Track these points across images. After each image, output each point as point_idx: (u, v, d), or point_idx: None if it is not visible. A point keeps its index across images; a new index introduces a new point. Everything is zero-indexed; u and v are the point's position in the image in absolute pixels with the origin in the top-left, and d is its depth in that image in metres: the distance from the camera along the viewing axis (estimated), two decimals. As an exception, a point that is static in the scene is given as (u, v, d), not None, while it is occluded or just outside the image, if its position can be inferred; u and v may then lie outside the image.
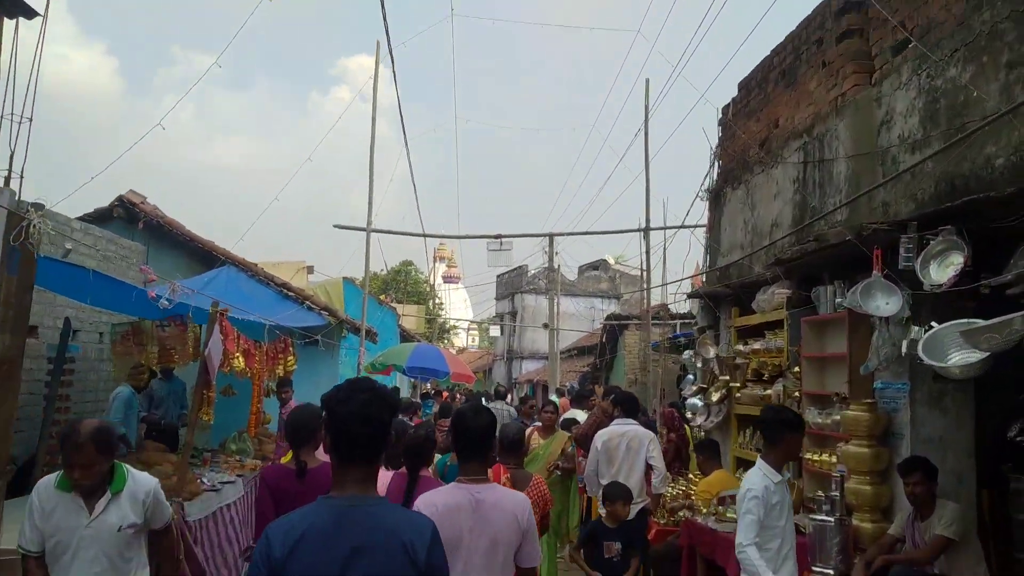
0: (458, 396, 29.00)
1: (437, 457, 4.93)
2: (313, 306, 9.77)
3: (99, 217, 9.87)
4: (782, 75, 7.53)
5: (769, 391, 7.06)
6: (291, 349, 8.74)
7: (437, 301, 56.55)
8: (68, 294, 6.70)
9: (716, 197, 8.91)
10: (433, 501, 2.89)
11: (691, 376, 14.73)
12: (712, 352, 8.12)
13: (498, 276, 43.90)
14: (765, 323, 7.29)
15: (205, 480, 6.59)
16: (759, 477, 3.81)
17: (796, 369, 6.37)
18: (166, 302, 5.00)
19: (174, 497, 5.47)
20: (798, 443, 4.06)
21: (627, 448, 5.99)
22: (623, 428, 6.08)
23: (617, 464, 5.98)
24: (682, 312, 21.31)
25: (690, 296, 8.53)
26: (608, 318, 20.87)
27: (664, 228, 12.14)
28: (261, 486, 3.97)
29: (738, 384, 7.63)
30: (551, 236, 26.87)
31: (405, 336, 21.58)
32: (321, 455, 3.98)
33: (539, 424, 7.74)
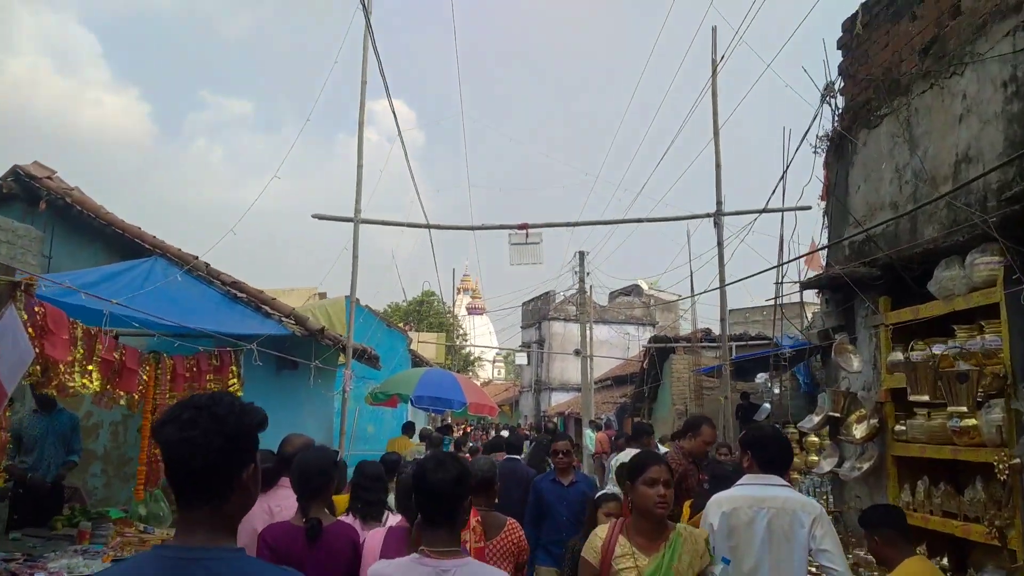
0: (489, 431, 26.02)
1: None
2: (273, 312, 7.14)
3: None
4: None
5: (973, 421, 4.29)
6: (234, 368, 6.13)
7: (461, 332, 53.83)
8: None
9: (837, 147, 6.22)
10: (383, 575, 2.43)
11: (766, 405, 11.89)
12: (856, 363, 5.33)
13: (524, 304, 41.31)
14: (953, 313, 4.56)
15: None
16: None
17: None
18: None
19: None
20: None
21: (769, 529, 3.22)
22: (761, 491, 3.31)
23: (753, 559, 3.21)
24: (737, 332, 18.40)
25: (805, 286, 5.83)
26: (650, 341, 18.11)
27: (743, 213, 9.34)
28: (260, 551, 3.25)
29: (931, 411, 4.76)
30: (582, 247, 24.27)
31: (417, 363, 18.93)
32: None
33: (612, 502, 4.54)
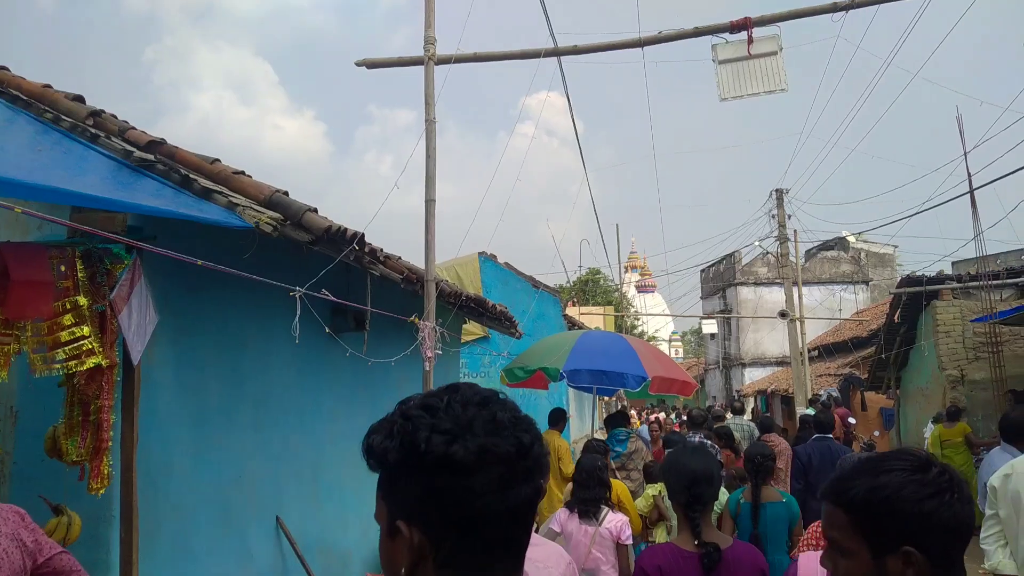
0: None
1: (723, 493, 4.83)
2: (229, 193, 3.35)
3: None
4: None
5: None
6: (81, 299, 2.40)
7: (632, 309, 49.30)
8: None
9: None
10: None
11: None
12: None
13: (702, 271, 36.02)
14: None
15: None
16: None
17: None
18: None
19: None
20: None
21: None
22: None
23: None
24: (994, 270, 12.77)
25: None
26: (902, 283, 12.96)
27: None
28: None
29: None
30: (780, 183, 19.15)
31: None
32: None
33: None
